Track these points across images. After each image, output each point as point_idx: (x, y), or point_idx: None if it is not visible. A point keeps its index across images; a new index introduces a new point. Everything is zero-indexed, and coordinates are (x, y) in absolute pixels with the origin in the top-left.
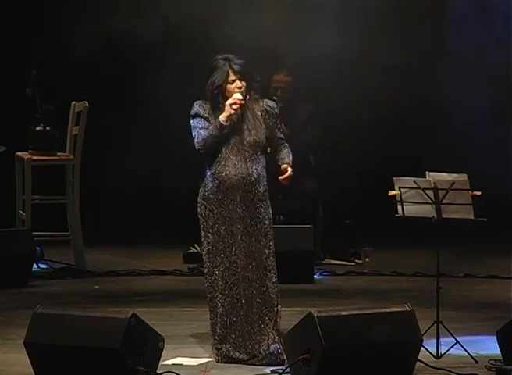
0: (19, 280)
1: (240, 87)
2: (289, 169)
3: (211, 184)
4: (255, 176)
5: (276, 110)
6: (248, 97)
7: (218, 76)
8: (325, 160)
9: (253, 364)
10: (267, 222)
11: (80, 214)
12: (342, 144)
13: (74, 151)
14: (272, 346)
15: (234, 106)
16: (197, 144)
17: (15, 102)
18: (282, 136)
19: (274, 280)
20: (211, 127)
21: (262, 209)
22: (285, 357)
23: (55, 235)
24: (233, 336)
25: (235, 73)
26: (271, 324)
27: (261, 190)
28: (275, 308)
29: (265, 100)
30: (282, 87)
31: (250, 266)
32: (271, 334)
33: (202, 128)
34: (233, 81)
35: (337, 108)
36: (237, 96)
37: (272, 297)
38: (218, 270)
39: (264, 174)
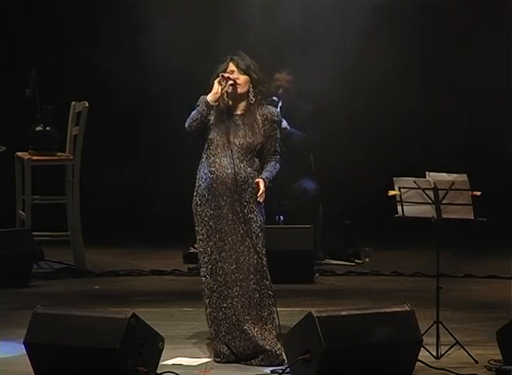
0: (19, 280)
1: (232, 71)
2: (261, 185)
3: (202, 183)
4: (244, 177)
5: (277, 118)
6: (253, 100)
7: (221, 67)
8: (325, 160)
9: (251, 364)
10: (258, 222)
11: (80, 214)
12: (342, 144)
13: (74, 151)
14: (272, 346)
15: (222, 82)
16: (185, 124)
17: (15, 102)
18: (277, 148)
19: (268, 279)
20: (198, 108)
21: (252, 210)
22: (284, 357)
23: (55, 235)
24: (222, 333)
25: (234, 64)
26: (269, 324)
27: (248, 191)
28: (273, 308)
29: (269, 107)
30: (284, 86)
31: (239, 266)
32: (270, 334)
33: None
34: (232, 72)
35: (338, 108)
36: (225, 74)
37: (269, 296)
38: (206, 268)
39: (255, 177)
